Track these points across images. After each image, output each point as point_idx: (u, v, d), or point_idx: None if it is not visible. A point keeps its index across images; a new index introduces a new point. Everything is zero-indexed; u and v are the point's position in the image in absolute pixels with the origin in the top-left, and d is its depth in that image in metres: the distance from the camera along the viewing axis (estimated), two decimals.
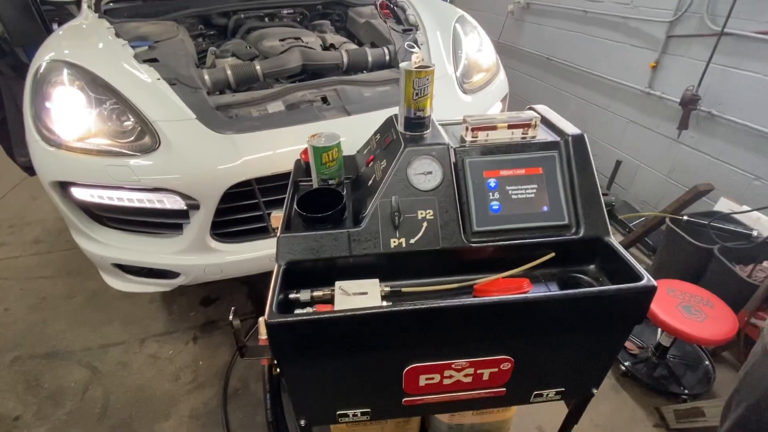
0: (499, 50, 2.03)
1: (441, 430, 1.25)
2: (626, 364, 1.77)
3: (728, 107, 2.05)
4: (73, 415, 1.65)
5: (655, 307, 1.61)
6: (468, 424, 1.22)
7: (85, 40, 1.59)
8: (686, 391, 1.66)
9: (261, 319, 0.71)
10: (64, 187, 1.36)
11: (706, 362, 1.78)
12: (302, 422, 0.81)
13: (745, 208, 1.94)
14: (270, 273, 0.73)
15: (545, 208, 0.80)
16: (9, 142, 2.38)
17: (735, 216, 1.95)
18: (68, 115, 1.32)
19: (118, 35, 1.59)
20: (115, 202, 1.33)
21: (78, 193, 1.35)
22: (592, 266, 0.82)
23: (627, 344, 1.86)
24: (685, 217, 2.03)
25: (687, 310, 1.60)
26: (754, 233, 1.86)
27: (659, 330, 1.78)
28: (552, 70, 3.31)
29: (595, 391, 0.85)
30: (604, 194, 2.85)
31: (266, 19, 2.15)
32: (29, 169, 2.39)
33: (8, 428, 1.61)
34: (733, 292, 1.71)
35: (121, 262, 1.46)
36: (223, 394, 1.72)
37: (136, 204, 1.33)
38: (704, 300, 1.64)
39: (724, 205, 2.05)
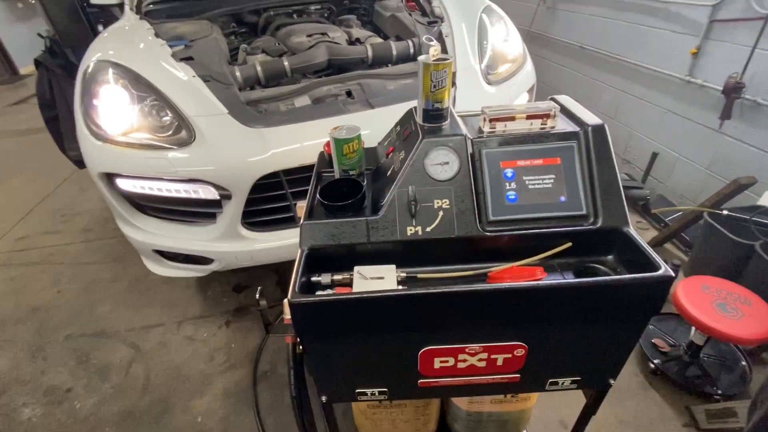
0: (530, 39, 2.00)
1: (459, 417, 1.28)
2: (656, 361, 1.72)
3: None
4: (118, 389, 1.79)
5: (688, 304, 1.55)
6: (486, 412, 1.24)
7: (127, 41, 1.70)
8: (720, 392, 1.60)
9: (286, 300, 0.76)
10: (110, 178, 1.47)
11: (743, 363, 1.70)
12: (324, 398, 0.85)
13: None
14: None
15: (563, 198, 0.80)
16: (61, 138, 2.58)
17: None
18: (113, 112, 1.43)
19: (157, 35, 1.69)
20: (155, 192, 1.43)
21: (122, 183, 1.46)
22: (610, 257, 0.82)
23: (657, 342, 1.81)
24: (725, 212, 1.94)
25: (722, 308, 1.53)
26: None
27: (692, 328, 1.72)
28: (585, 60, 3.20)
29: (612, 381, 0.85)
30: (638, 188, 2.77)
31: (295, 16, 2.20)
32: (79, 163, 2.58)
33: (61, 399, 1.77)
34: None
35: (161, 248, 1.56)
36: (253, 376, 1.81)
37: (174, 194, 1.42)
38: (741, 298, 1.57)
39: (767, 200, 1.94)
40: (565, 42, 3.36)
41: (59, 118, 2.59)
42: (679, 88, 2.44)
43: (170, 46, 1.64)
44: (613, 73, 2.94)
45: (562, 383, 0.85)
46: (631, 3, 2.68)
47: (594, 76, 3.16)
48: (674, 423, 1.57)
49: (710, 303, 1.55)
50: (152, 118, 1.40)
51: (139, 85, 1.43)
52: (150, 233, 1.54)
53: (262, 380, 1.80)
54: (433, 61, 0.78)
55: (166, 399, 1.74)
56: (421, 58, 0.79)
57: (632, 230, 0.77)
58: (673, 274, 0.66)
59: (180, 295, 2.27)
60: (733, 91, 2.04)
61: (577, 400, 1.01)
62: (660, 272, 0.66)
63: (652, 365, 1.72)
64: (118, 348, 1.98)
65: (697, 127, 2.36)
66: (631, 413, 1.61)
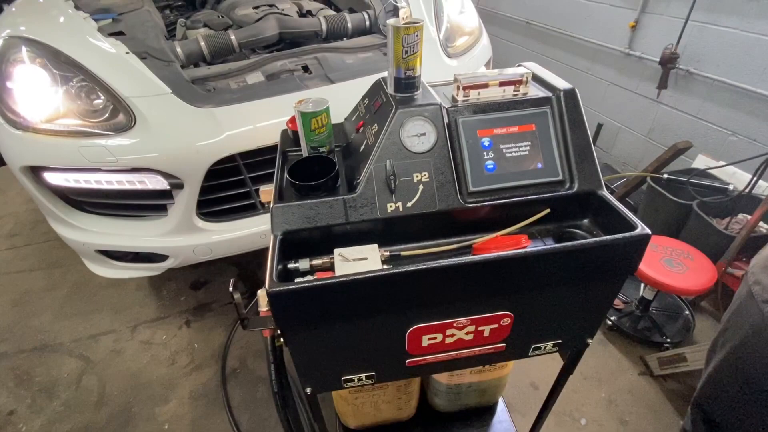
0: (479, 16, 1.99)
1: (440, 391, 1.29)
2: (612, 318, 1.85)
3: (706, 64, 2.08)
4: (69, 405, 1.63)
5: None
6: (466, 383, 1.26)
7: (42, 14, 1.48)
8: (668, 340, 1.75)
9: (260, 292, 0.70)
10: (35, 172, 1.29)
11: (686, 312, 1.87)
12: (308, 390, 0.81)
13: (722, 163, 2.00)
14: (262, 251, 0.72)
15: (539, 165, 0.79)
16: None
17: (712, 172, 2.01)
18: (33, 95, 1.24)
19: (78, 8, 1.49)
20: (93, 186, 1.27)
21: (51, 177, 1.28)
22: (585, 220, 0.83)
23: None
24: (666, 176, 2.09)
25: (669, 264, 1.66)
26: (731, 187, 1.93)
27: (642, 285, 1.85)
28: (532, 35, 3.28)
29: (589, 341, 0.88)
30: None
31: None
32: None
33: (3, 423, 1.58)
34: (712, 245, 1.78)
35: (106, 248, 1.41)
36: (222, 374, 1.73)
37: (116, 186, 1.27)
38: (685, 253, 1.71)
39: (701, 162, 2.11)
40: (513, 18, 3.41)
41: None
42: (620, 60, 2.56)
43: (95, 20, 1.45)
44: (559, 47, 3.04)
45: (545, 347, 0.86)
46: None
47: (541, 51, 3.24)
48: (631, 372, 1.70)
49: (659, 260, 1.67)
50: (81, 101, 1.23)
51: (61, 64, 1.25)
52: (91, 232, 1.38)
53: (231, 378, 1.72)
54: (404, 24, 0.73)
55: (127, 409, 1.62)
56: (390, 21, 0.74)
57: (606, 193, 0.79)
58: (649, 232, 0.68)
59: (131, 298, 2.09)
60: (668, 61, 2.17)
61: (546, 360, 1.04)
62: (638, 231, 0.68)
63: (609, 322, 1.85)
64: (64, 361, 1.80)
65: (637, 98, 2.51)
66: (593, 368, 1.72)
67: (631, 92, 2.55)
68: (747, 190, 1.79)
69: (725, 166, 1.97)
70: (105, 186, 1.27)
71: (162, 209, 1.37)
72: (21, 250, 2.44)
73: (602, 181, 0.79)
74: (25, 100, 1.23)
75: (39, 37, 1.28)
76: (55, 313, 2.03)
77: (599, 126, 2.82)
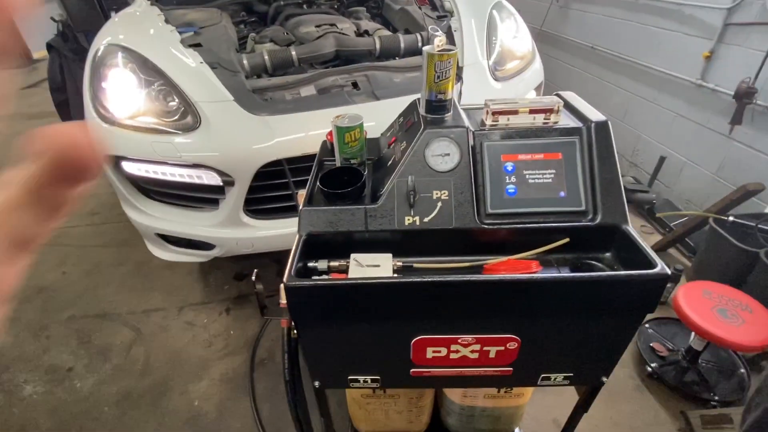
0: (541, 39, 1.98)
1: (453, 411, 1.28)
2: (653, 365, 1.72)
3: None
4: (118, 370, 1.82)
5: (688, 308, 1.54)
6: (480, 407, 1.25)
7: (137, 26, 1.72)
8: (717, 398, 1.59)
9: (282, 284, 0.77)
10: (116, 161, 1.49)
11: (742, 370, 1.69)
12: (316, 384, 0.86)
13: None
14: None
15: (562, 194, 0.80)
16: (71, 121, 2.60)
17: None
18: (121, 95, 1.44)
19: (167, 21, 1.70)
20: (160, 177, 1.44)
21: (128, 167, 1.48)
22: (607, 254, 0.82)
23: (655, 345, 1.80)
24: (731, 218, 1.92)
25: (722, 314, 1.52)
26: None
27: (692, 333, 1.70)
28: (596, 60, 3.18)
29: (605, 379, 0.85)
30: (644, 191, 2.75)
31: (304, 6, 2.21)
32: None
33: (62, 377, 1.80)
34: None
35: (164, 233, 1.58)
36: (251, 363, 1.83)
37: (178, 179, 1.43)
38: (743, 305, 1.56)
39: None
40: (577, 42, 3.33)
41: (69, 103, 2.62)
42: (690, 91, 2.41)
43: (179, 33, 1.65)
44: (624, 74, 2.91)
45: (555, 379, 0.85)
46: (644, 4, 2.65)
47: (604, 78, 3.13)
48: (668, 427, 1.56)
49: (711, 308, 1.54)
50: (159, 102, 1.41)
51: (147, 70, 1.44)
52: (153, 217, 1.56)
53: (259, 368, 1.82)
54: (438, 51, 0.78)
55: (165, 382, 1.77)
56: (425, 48, 0.79)
57: (631, 228, 0.77)
58: (668, 272, 0.66)
59: (182, 281, 2.29)
60: (744, 96, 2.01)
61: (572, 400, 1.01)
62: (656, 270, 0.66)
63: (649, 369, 1.72)
64: (120, 330, 2.01)
65: (707, 132, 2.34)
66: (626, 416, 1.60)
67: (701, 126, 2.37)
68: None
69: None
70: (169, 178, 1.44)
71: (214, 203, 1.51)
72: (98, 228, 2.76)
73: (627, 216, 0.77)
74: (115, 99, 1.44)
75: (132, 46, 1.49)
76: (118, 286, 2.27)
77: (662, 159, 2.65)
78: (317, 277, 0.78)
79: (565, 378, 0.85)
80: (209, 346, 1.92)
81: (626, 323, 0.74)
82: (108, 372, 1.81)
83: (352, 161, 0.91)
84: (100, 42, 1.54)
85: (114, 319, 2.08)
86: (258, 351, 1.90)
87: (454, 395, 1.23)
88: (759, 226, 1.80)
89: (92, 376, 1.79)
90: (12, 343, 1.95)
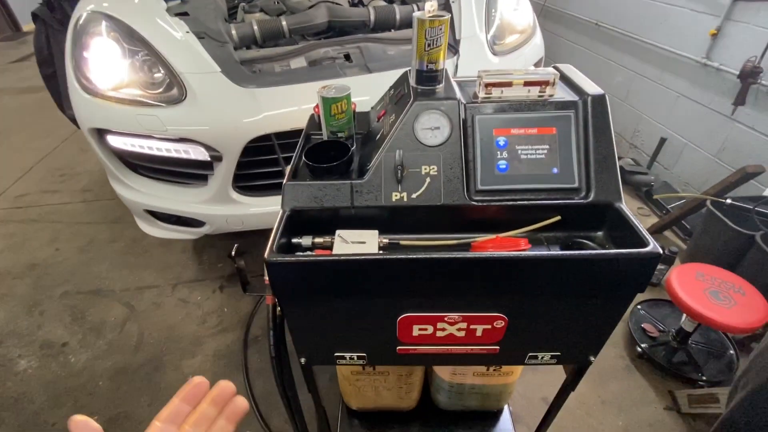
0: (544, 15, 1.91)
1: (442, 388, 1.29)
2: (643, 345, 1.73)
3: None
4: (112, 346, 1.83)
5: (680, 290, 1.54)
6: (469, 384, 1.25)
7: None
8: (705, 378, 1.61)
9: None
10: (101, 134, 1.45)
11: (731, 351, 1.70)
12: (302, 360, 0.86)
13: None
14: None
15: (555, 170, 0.77)
16: (59, 96, 2.53)
17: None
18: (104, 65, 1.39)
19: None
20: (146, 151, 1.41)
21: (113, 140, 1.44)
22: (599, 233, 0.80)
23: (646, 326, 1.81)
24: (729, 200, 1.90)
25: (715, 296, 1.52)
26: None
27: (683, 315, 1.71)
28: (600, 38, 3.09)
29: (592, 359, 0.84)
30: (643, 173, 2.72)
31: None
32: (76, 122, 2.54)
33: (57, 352, 1.81)
34: None
35: (152, 209, 1.55)
36: (244, 339, 1.84)
37: (165, 153, 1.40)
38: (736, 287, 1.56)
39: None
40: (581, 18, 3.23)
41: (57, 75, 2.53)
42: (695, 71, 2.35)
43: (166, 1, 1.58)
44: (628, 53, 2.84)
45: (542, 358, 0.84)
46: None
47: (607, 56, 3.05)
48: (656, 405, 1.59)
49: (703, 290, 1.54)
50: (143, 73, 1.36)
51: (132, 39, 1.38)
52: (141, 193, 1.53)
53: (252, 345, 1.83)
54: (428, 17, 0.73)
55: (159, 357, 1.78)
56: (415, 14, 0.75)
57: (624, 206, 0.75)
58: (660, 251, 0.64)
59: (176, 259, 2.28)
60: (749, 75, 1.96)
61: (561, 379, 1.01)
62: (647, 249, 0.64)
63: (639, 349, 1.73)
64: (113, 306, 2.01)
65: (709, 113, 2.29)
66: (614, 394, 1.62)
67: (704, 106, 2.33)
68: None
69: None
70: (155, 152, 1.40)
71: (203, 179, 1.48)
72: (91, 204, 2.73)
73: (621, 193, 0.75)
74: (98, 69, 1.39)
75: (116, 14, 1.43)
76: (112, 263, 2.27)
77: (662, 140, 2.61)
78: (301, 254, 0.76)
79: (553, 357, 0.84)
80: (203, 323, 1.93)
81: (616, 303, 0.73)
82: (102, 347, 1.82)
83: (339, 134, 0.88)
84: (83, 8, 1.47)
85: (108, 295, 2.08)
86: (252, 328, 1.91)
87: (444, 373, 1.23)
88: (756, 208, 1.78)
89: (86, 352, 1.80)
90: (5, 318, 1.96)
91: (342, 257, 0.67)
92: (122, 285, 2.13)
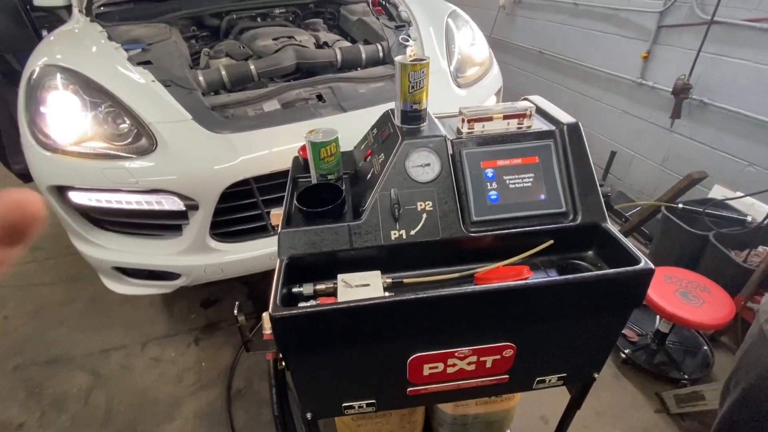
0: (491, 45, 2.04)
1: (445, 421, 1.26)
2: (626, 351, 1.79)
3: (720, 95, 2.08)
4: (76, 421, 1.65)
5: (653, 293, 1.62)
6: (472, 414, 1.23)
7: (77, 44, 1.59)
8: (686, 376, 1.68)
9: (265, 314, 0.71)
10: (61, 191, 1.36)
11: (705, 347, 1.80)
12: (309, 415, 0.81)
13: (739, 194, 1.96)
14: (271, 272, 0.74)
15: (542, 197, 0.80)
16: (3, 150, 2.37)
17: (729, 202, 1.97)
18: (64, 120, 1.32)
19: (110, 38, 1.59)
20: (114, 205, 1.33)
21: (76, 197, 1.35)
22: (590, 252, 0.83)
23: (626, 332, 1.88)
24: (681, 205, 2.05)
25: (684, 296, 1.61)
26: (749, 219, 1.88)
27: (658, 317, 1.80)
28: (544, 64, 3.33)
29: (596, 375, 0.86)
30: (600, 185, 2.89)
31: (259, 19, 2.14)
32: (24, 176, 2.38)
33: None
34: (730, 278, 1.73)
35: (122, 265, 1.45)
36: (227, 395, 1.73)
37: (135, 206, 1.32)
38: (701, 286, 1.66)
39: (718, 192, 2.08)
40: (525, 47, 3.48)
41: (0, 129, 2.38)
42: (633, 90, 2.58)
43: (126, 50, 1.54)
44: (571, 76, 3.08)
45: (549, 381, 0.85)
46: (584, 9, 2.81)
47: (553, 80, 3.29)
48: (646, 409, 1.63)
49: (673, 292, 1.63)
50: (108, 125, 1.30)
51: (92, 91, 1.33)
52: (109, 249, 1.43)
53: (236, 399, 1.72)
54: (411, 61, 0.77)
55: (132, 426, 1.62)
56: (398, 58, 0.77)
57: (610, 225, 0.79)
58: (652, 266, 0.68)
59: (143, 315, 2.13)
60: (681, 92, 2.17)
61: (556, 393, 1.01)
62: (641, 266, 0.68)
63: (623, 355, 1.79)
64: (75, 375, 1.83)
65: (651, 126, 2.51)
66: (607, 404, 1.66)
67: (645, 121, 2.54)
68: (766, 221, 1.75)
69: (743, 197, 1.94)
70: (124, 206, 1.33)
71: (177, 229, 1.41)
72: (42, 264, 2.52)
73: (606, 213, 0.80)
74: (57, 124, 1.31)
75: (73, 66, 1.37)
76: (70, 326, 2.08)
77: (612, 153, 2.80)
78: (304, 304, 0.73)
79: (559, 378, 0.85)
80: (179, 382, 1.79)
81: (615, 319, 0.76)
82: (65, 424, 1.64)
83: (329, 177, 0.88)
84: (35, 63, 1.41)
85: (68, 363, 1.89)
86: (234, 381, 1.79)
87: (446, 406, 1.21)
88: (706, 210, 1.93)
89: (47, 431, 1.61)
90: None
91: (350, 304, 0.66)
92: (84, 350, 1.95)
